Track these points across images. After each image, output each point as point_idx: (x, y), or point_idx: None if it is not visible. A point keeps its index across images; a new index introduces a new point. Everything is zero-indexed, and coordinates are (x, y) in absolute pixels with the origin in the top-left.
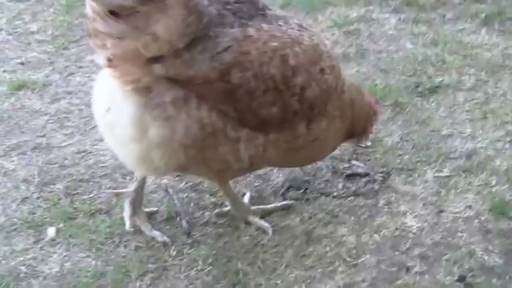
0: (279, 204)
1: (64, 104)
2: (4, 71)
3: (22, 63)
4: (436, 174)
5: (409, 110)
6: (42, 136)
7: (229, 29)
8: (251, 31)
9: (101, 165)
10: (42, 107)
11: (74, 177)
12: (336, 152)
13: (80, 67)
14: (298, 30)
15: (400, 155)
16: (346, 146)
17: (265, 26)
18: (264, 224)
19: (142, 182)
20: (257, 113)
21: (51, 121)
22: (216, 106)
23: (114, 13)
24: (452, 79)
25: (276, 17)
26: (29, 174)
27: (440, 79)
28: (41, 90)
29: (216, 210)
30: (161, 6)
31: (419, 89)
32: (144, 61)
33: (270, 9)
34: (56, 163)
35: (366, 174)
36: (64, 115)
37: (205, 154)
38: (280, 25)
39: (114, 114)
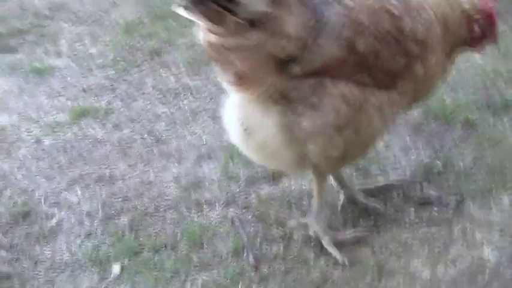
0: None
1: (127, 132)
2: (67, 99)
3: (84, 90)
4: None
5: (481, 129)
6: (105, 167)
7: (329, 7)
8: (348, 2)
9: (165, 197)
10: (105, 136)
11: (138, 210)
12: (406, 176)
13: (142, 93)
14: None
15: (474, 179)
16: (418, 171)
17: None
18: (338, 254)
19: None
20: (388, 70)
21: (114, 151)
22: (351, 79)
23: (249, 23)
24: None
25: None
26: (92, 208)
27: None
28: (103, 118)
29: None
30: (286, 6)
31: (491, 106)
32: (275, 66)
33: None
34: (120, 195)
35: (439, 201)
36: (127, 144)
37: (360, 130)
38: None
39: (257, 130)
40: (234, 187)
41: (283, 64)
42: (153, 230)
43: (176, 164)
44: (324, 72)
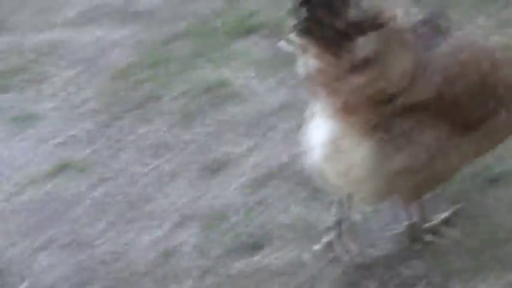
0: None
1: (103, 191)
2: (48, 149)
3: (63, 143)
4: (499, 281)
5: (475, 200)
6: (80, 229)
7: (434, 47)
8: (451, 44)
9: (138, 264)
10: (81, 194)
11: (114, 275)
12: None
13: (123, 148)
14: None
15: (454, 260)
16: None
17: (452, 38)
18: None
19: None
20: (477, 114)
21: (90, 211)
22: (444, 119)
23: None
24: None
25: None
26: (64, 273)
27: (500, 169)
28: (80, 174)
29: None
30: (392, 48)
31: (477, 181)
32: (379, 100)
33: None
34: (93, 260)
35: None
36: (102, 204)
37: (438, 170)
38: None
39: (348, 155)
40: (206, 260)
41: (384, 100)
42: None
43: (151, 229)
44: (422, 109)
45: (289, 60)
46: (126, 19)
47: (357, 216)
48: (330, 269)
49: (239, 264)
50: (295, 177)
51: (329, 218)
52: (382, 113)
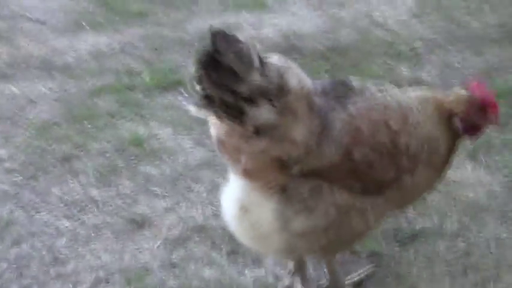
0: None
1: (25, 248)
2: None
3: None
4: None
5: (386, 262)
6: None
7: (334, 113)
8: (352, 109)
9: None
10: (2, 252)
11: None
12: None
13: (47, 202)
14: (381, 95)
15: None
16: None
17: (359, 101)
18: None
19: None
20: (378, 180)
21: (10, 269)
22: (343, 185)
23: (257, 131)
24: (434, 224)
25: (360, 90)
26: None
27: (421, 224)
28: (3, 230)
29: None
30: (294, 114)
31: (399, 237)
32: (280, 166)
33: (351, 83)
34: None
35: None
36: (23, 262)
37: (341, 232)
38: (367, 97)
39: (253, 213)
40: None
41: (285, 164)
42: None
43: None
44: (320, 174)
45: (204, 120)
46: (49, 73)
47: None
48: None
49: None
50: (210, 238)
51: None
52: (282, 177)
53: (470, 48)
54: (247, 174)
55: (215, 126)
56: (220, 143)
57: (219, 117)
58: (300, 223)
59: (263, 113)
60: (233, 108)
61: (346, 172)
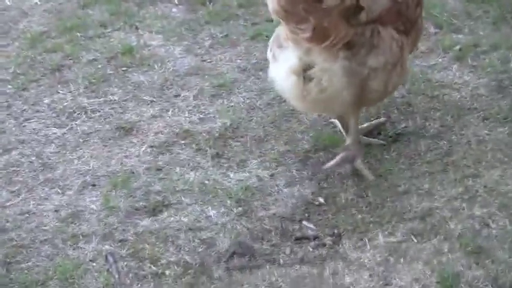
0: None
1: (15, 155)
2: None
3: None
4: (387, 239)
5: (368, 161)
6: None
7: None
8: None
9: (42, 229)
10: None
11: (14, 242)
12: (287, 211)
13: (37, 111)
14: None
15: (353, 215)
16: (297, 204)
17: None
18: (367, 172)
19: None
20: (410, 18)
21: (2, 173)
22: (393, 26)
23: None
24: (416, 125)
25: None
26: None
27: (404, 125)
28: None
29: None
30: None
31: (381, 137)
32: (346, 19)
33: None
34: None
35: (316, 237)
36: (13, 168)
37: (403, 67)
38: None
39: (323, 76)
40: (112, 219)
41: (351, 16)
42: (26, 264)
43: (59, 193)
44: (376, 20)
45: (196, 28)
46: None
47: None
48: (234, 223)
49: (146, 222)
50: (195, 142)
51: (226, 181)
52: (348, 31)
53: None
54: (316, 35)
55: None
56: (284, 11)
57: None
58: (371, 62)
59: None
60: None
61: (394, 13)
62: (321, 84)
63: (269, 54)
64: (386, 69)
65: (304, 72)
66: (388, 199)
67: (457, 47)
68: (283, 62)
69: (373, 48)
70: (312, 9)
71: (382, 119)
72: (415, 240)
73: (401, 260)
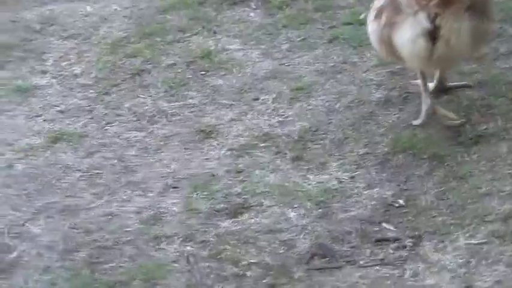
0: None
1: (97, 158)
2: (44, 120)
3: (62, 112)
4: (468, 241)
5: (448, 163)
6: (72, 196)
7: None
8: None
9: (125, 230)
10: (76, 162)
11: (98, 243)
12: (367, 213)
13: (118, 115)
14: None
15: (433, 217)
16: (377, 206)
17: None
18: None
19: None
20: None
21: (83, 178)
22: None
23: None
24: (497, 127)
25: None
26: (53, 240)
27: (485, 127)
28: (77, 142)
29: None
30: None
31: (461, 139)
32: None
33: None
34: (82, 227)
35: (396, 239)
36: (96, 171)
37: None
38: None
39: (452, 39)
40: (194, 221)
41: None
42: (110, 265)
43: (141, 195)
44: None
45: (273, 32)
46: None
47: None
48: (314, 225)
49: (227, 224)
50: (275, 145)
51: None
52: None
53: None
54: (445, 1)
55: None
56: None
57: None
58: (485, 28)
59: None
60: None
61: None
62: (450, 43)
63: (378, 23)
64: (490, 24)
65: (433, 33)
66: (469, 201)
67: None
68: (411, 28)
69: (485, 14)
70: None
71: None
72: (497, 242)
73: (483, 262)
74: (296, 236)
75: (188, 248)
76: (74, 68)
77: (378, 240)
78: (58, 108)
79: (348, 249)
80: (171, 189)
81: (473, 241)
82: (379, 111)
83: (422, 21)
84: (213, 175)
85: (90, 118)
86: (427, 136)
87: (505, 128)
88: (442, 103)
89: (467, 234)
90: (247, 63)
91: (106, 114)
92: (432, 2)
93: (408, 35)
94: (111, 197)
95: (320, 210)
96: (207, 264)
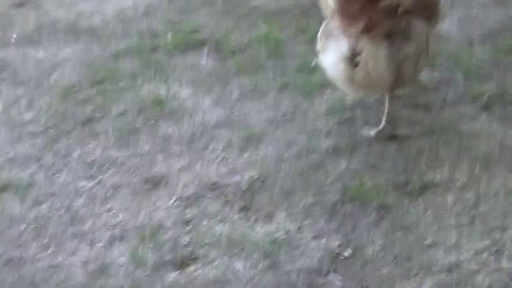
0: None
1: (45, 208)
2: None
3: (9, 160)
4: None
5: (395, 213)
6: (17, 248)
7: None
8: None
9: (70, 282)
10: (23, 212)
11: None
12: (314, 264)
13: (67, 163)
14: None
15: (380, 267)
16: (325, 257)
17: None
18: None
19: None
20: (435, 4)
21: (29, 229)
22: (421, 15)
23: None
24: (444, 176)
25: None
26: None
27: (432, 176)
28: (24, 191)
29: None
30: None
31: (409, 188)
32: (387, 14)
33: None
34: (27, 280)
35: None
36: (43, 222)
37: (427, 55)
38: None
39: (369, 60)
40: (140, 273)
41: (393, 10)
42: None
43: (87, 246)
44: (409, 11)
45: (225, 79)
46: (75, 36)
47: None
48: (261, 276)
49: (174, 275)
50: (223, 195)
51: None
52: (388, 23)
53: (494, 1)
54: (366, 29)
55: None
56: (342, 10)
57: None
58: (404, 52)
59: None
60: None
61: (420, 3)
62: (367, 68)
63: (319, 47)
64: (418, 53)
65: (353, 58)
66: (414, 252)
67: (485, 96)
68: (334, 52)
69: (404, 39)
70: (366, 9)
71: None
72: None
73: None
74: (246, 286)
75: None
76: (24, 115)
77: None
78: (6, 157)
79: None
80: (118, 241)
81: None
82: (328, 160)
83: (344, 46)
84: (161, 225)
85: (39, 167)
86: (375, 185)
87: (451, 178)
88: (389, 153)
89: (413, 285)
90: (198, 111)
91: (55, 162)
92: (354, 29)
93: (331, 59)
94: (57, 248)
95: (267, 261)
96: None
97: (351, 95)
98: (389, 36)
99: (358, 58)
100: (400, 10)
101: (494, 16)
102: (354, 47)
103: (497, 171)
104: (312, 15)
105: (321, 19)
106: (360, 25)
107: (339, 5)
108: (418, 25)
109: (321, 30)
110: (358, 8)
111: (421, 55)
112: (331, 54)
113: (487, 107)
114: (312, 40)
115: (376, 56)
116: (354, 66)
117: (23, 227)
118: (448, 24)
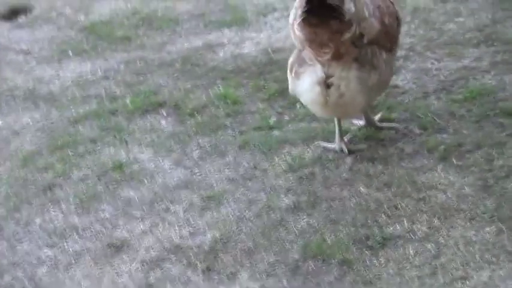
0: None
1: (7, 279)
2: None
3: None
4: None
5: (357, 267)
6: None
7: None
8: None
9: None
10: None
11: None
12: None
13: (29, 232)
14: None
15: None
16: None
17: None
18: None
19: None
20: (394, 37)
21: None
22: (383, 46)
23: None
24: (404, 228)
25: None
26: None
27: (391, 229)
28: None
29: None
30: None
31: (370, 243)
32: (355, 42)
33: None
34: None
35: None
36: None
37: (387, 81)
38: None
39: (341, 84)
40: None
41: (357, 41)
42: None
43: None
44: (373, 42)
45: (185, 139)
46: (34, 103)
47: None
48: None
49: None
50: (186, 257)
51: None
52: (355, 50)
53: (448, 53)
54: (335, 56)
55: (304, 31)
56: (311, 42)
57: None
58: (372, 79)
59: (351, 7)
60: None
61: (384, 34)
62: (340, 90)
63: (290, 75)
64: (381, 82)
65: (326, 81)
66: None
67: (442, 147)
68: (309, 77)
69: (372, 68)
70: (332, 40)
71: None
72: None
73: None
74: None
75: None
76: None
77: None
78: None
79: None
80: None
81: None
82: (289, 217)
83: (318, 70)
84: None
85: (0, 236)
86: (336, 241)
87: (411, 230)
88: (349, 208)
89: None
90: (158, 173)
91: (16, 231)
92: (326, 56)
93: (306, 83)
94: None
95: None
96: None
97: (325, 118)
98: (358, 61)
99: (331, 80)
100: (365, 39)
101: (448, 67)
102: (326, 70)
103: (456, 221)
104: (268, 73)
105: (277, 78)
106: (329, 53)
107: (308, 36)
108: (381, 55)
109: (291, 59)
110: (326, 38)
111: (384, 82)
112: (306, 79)
113: (444, 158)
114: (270, 98)
115: (347, 77)
116: (328, 87)
117: None
118: (403, 76)
